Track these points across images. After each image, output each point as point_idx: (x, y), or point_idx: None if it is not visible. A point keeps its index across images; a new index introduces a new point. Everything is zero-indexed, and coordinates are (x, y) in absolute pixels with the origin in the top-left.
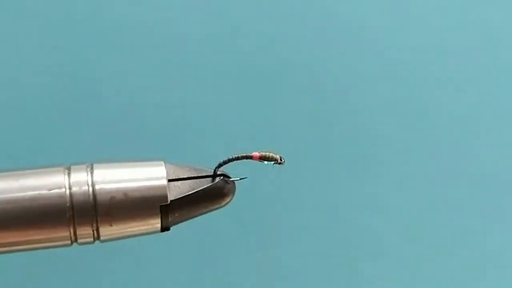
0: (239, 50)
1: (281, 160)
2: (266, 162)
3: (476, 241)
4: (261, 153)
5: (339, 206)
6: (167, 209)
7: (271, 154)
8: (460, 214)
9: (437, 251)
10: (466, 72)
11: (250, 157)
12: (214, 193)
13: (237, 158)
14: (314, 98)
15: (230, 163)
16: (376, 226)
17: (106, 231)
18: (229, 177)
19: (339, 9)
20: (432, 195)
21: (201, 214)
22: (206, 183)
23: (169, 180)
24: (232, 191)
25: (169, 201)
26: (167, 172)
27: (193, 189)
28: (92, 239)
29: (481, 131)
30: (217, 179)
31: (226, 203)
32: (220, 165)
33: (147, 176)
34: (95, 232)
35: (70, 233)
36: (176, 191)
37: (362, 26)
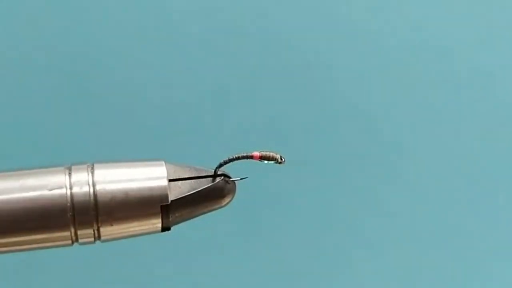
0: (240, 49)
1: (281, 159)
2: (266, 162)
3: (474, 240)
4: (262, 152)
5: (339, 206)
6: (168, 209)
7: (271, 154)
8: (459, 214)
9: (436, 251)
10: (465, 72)
11: (251, 157)
12: (214, 193)
13: (238, 158)
14: (314, 98)
15: (231, 163)
16: (376, 226)
17: (107, 231)
18: (230, 177)
19: (340, 9)
20: (432, 195)
21: (201, 214)
22: (206, 183)
23: (170, 180)
24: (233, 191)
25: (169, 201)
26: (167, 172)
27: (194, 189)
28: (93, 239)
29: (480, 131)
30: (218, 179)
31: (227, 203)
32: (220, 165)
33: (147, 176)
34: (96, 232)
35: (71, 233)
36: (177, 191)
37: (366, 25)
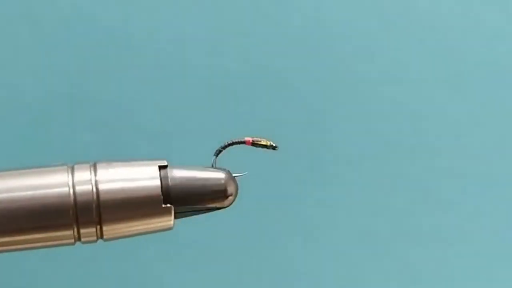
0: (240, 50)
1: (274, 145)
2: (260, 148)
3: (473, 240)
4: (254, 138)
5: (339, 206)
6: (170, 208)
7: (263, 140)
8: (456, 214)
9: (435, 251)
10: (463, 72)
11: (243, 142)
12: (216, 188)
13: (231, 144)
14: (314, 98)
15: (227, 148)
16: (375, 226)
17: (110, 229)
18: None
19: (338, 11)
20: (430, 195)
21: (205, 211)
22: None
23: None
24: (235, 185)
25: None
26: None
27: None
28: (95, 237)
29: (478, 130)
30: (218, 171)
31: (230, 204)
32: (219, 151)
33: (150, 175)
34: (98, 230)
35: (73, 232)
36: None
37: (360, 27)
